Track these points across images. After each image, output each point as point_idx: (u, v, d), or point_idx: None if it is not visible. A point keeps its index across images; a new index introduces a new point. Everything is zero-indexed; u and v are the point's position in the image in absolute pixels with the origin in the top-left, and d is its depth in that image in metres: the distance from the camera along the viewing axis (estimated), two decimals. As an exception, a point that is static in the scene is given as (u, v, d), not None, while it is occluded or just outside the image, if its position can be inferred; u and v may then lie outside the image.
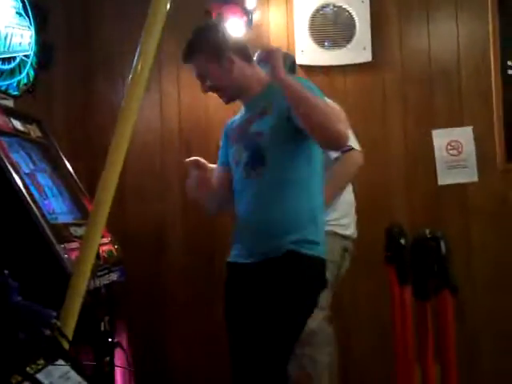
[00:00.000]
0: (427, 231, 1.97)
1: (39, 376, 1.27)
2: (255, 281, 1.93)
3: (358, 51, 3.07)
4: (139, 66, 1.75)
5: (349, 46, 3.07)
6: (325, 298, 2.28)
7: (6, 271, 1.36)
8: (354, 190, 2.73)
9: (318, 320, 2.33)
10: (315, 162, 1.99)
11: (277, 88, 1.90)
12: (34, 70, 2.51)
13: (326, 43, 3.07)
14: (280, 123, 1.93)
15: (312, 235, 1.92)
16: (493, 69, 3.06)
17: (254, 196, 1.98)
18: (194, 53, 2.00)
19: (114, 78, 3.20)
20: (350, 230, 2.58)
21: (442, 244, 1.90)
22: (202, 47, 2.00)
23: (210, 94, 3.18)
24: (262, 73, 2.07)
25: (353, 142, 2.48)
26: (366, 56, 3.08)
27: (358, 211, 2.74)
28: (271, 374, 1.87)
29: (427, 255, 1.92)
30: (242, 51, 2.04)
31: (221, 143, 2.21)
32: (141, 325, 3.07)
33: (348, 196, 2.63)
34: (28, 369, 1.27)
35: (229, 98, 2.08)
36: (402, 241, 2.25)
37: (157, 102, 3.21)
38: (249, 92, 2.05)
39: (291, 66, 2.71)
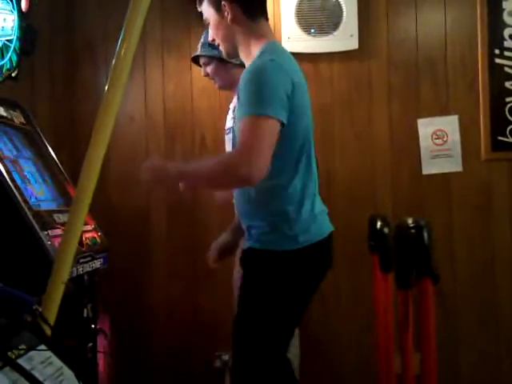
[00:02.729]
0: (410, 220, 1.95)
1: (21, 361, 1.27)
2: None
3: (344, 39, 3.06)
4: (123, 51, 1.73)
5: (335, 34, 3.05)
6: None
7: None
8: None
9: None
10: (284, 157, 1.81)
11: (253, 64, 1.79)
12: (17, 54, 2.49)
13: (312, 30, 3.06)
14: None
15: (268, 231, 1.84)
16: (480, 57, 3.04)
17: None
18: None
19: (98, 63, 3.17)
20: None
21: (425, 233, 1.88)
22: None
23: (195, 80, 3.20)
24: (269, 34, 1.90)
25: None
26: (352, 44, 3.06)
27: (342, 200, 2.74)
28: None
29: (409, 244, 1.92)
30: (249, 5, 1.87)
31: None
32: (124, 312, 3.08)
33: None
34: (9, 354, 1.27)
35: (226, 54, 1.97)
36: (385, 230, 2.26)
37: (141, 88, 3.18)
38: (247, 55, 1.89)
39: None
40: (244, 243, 1.97)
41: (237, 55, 1.95)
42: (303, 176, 1.87)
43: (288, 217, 1.83)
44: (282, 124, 1.73)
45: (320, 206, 1.95)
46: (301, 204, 1.86)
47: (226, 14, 1.87)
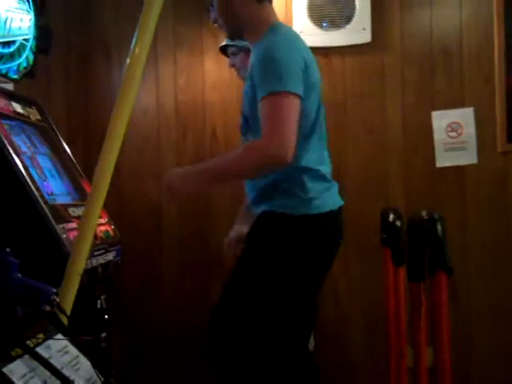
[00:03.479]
0: (424, 213, 1.94)
1: (39, 349, 1.31)
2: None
3: (357, 32, 3.04)
4: (137, 49, 1.76)
5: (348, 27, 3.04)
6: None
7: (7, 249, 1.39)
8: None
9: None
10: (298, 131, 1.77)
11: (261, 44, 1.78)
12: (34, 53, 2.53)
13: (324, 24, 3.06)
14: (253, 91, 1.79)
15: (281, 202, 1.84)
16: (496, 49, 3.00)
17: None
18: None
19: (112, 61, 3.21)
20: None
21: (438, 226, 1.87)
22: None
23: (207, 74, 3.21)
24: (273, 17, 1.90)
25: None
26: (365, 37, 3.05)
27: (355, 193, 2.72)
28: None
29: (423, 237, 1.91)
30: None
31: None
32: (136, 304, 3.12)
33: None
34: (28, 342, 1.30)
35: (229, 35, 1.97)
36: (398, 223, 2.25)
37: (153, 82, 3.21)
38: (252, 36, 1.88)
39: None
40: (255, 211, 1.94)
41: (240, 36, 1.93)
42: (316, 150, 1.87)
43: (302, 184, 1.83)
44: (301, 98, 1.73)
45: (332, 181, 1.97)
46: (314, 174, 1.87)
47: None
